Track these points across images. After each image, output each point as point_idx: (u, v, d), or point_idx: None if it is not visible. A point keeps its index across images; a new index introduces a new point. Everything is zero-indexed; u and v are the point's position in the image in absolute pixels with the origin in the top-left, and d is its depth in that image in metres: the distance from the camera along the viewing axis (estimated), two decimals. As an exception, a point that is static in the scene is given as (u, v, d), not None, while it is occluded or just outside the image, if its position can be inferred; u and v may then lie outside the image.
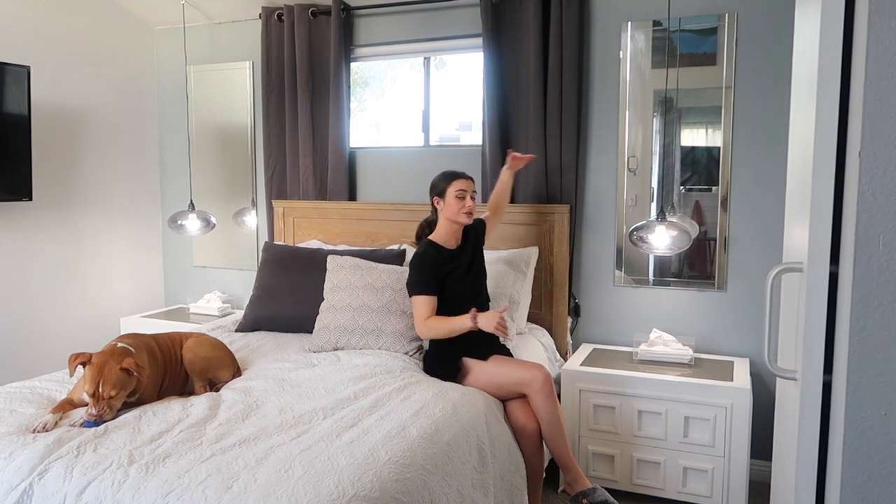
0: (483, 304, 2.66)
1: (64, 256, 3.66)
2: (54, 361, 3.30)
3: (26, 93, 3.22)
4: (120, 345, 2.18)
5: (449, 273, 2.57)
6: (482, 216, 2.85)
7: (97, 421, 1.97)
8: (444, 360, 2.54)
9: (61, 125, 3.60)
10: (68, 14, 3.61)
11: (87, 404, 2.03)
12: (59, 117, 3.58)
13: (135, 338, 2.30)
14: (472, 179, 2.64)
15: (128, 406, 2.12)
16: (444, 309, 2.56)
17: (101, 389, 1.99)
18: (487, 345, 2.59)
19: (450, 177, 2.62)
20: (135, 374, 2.07)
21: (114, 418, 2.02)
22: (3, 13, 3.30)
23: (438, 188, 2.62)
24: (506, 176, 2.95)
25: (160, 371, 2.29)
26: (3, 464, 1.76)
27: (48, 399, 2.19)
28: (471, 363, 2.50)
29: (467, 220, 2.60)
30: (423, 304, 2.51)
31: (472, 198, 2.60)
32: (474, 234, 2.72)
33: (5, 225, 3.36)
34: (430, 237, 2.64)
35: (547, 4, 3.13)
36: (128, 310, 4.01)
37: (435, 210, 2.67)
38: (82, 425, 1.97)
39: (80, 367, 2.10)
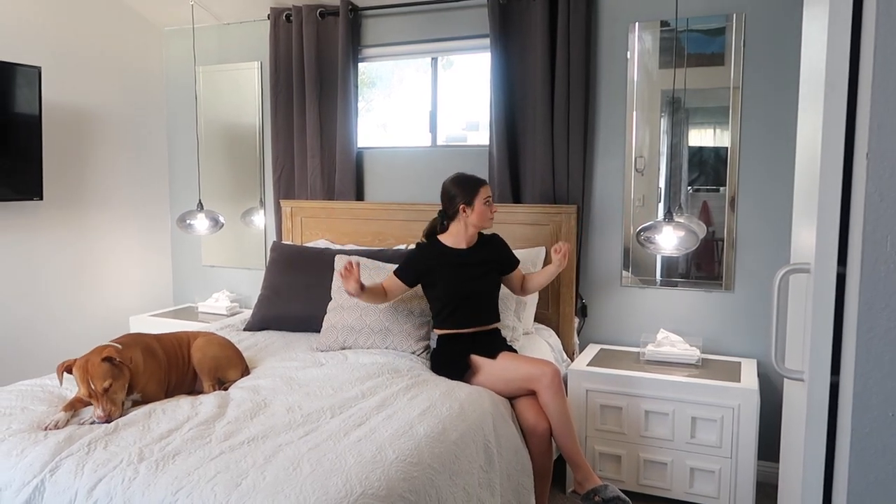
0: (483, 312, 2.67)
1: (74, 255, 3.69)
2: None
3: (37, 93, 3.25)
4: (104, 344, 2.20)
5: (438, 267, 2.63)
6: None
7: (106, 421, 1.99)
8: (451, 359, 2.56)
9: (71, 125, 3.63)
10: (78, 15, 3.64)
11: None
12: (70, 117, 3.61)
13: (131, 337, 2.32)
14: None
15: (134, 405, 2.14)
16: (433, 299, 2.68)
17: (93, 386, 2.01)
18: (494, 343, 2.61)
19: (476, 184, 2.63)
20: (118, 360, 2.08)
21: (122, 415, 2.04)
22: (15, 15, 3.33)
23: (466, 196, 2.60)
24: (552, 269, 2.74)
25: (163, 369, 2.31)
26: (15, 460, 1.78)
27: (59, 397, 2.21)
28: (479, 361, 2.51)
29: (490, 225, 2.67)
30: (390, 278, 2.68)
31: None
32: (498, 252, 2.74)
33: (16, 224, 3.39)
34: (440, 236, 2.69)
35: (554, 5, 3.13)
36: (137, 308, 4.03)
37: (446, 215, 2.68)
38: (91, 424, 1.99)
39: (68, 376, 2.12)
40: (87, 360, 2.06)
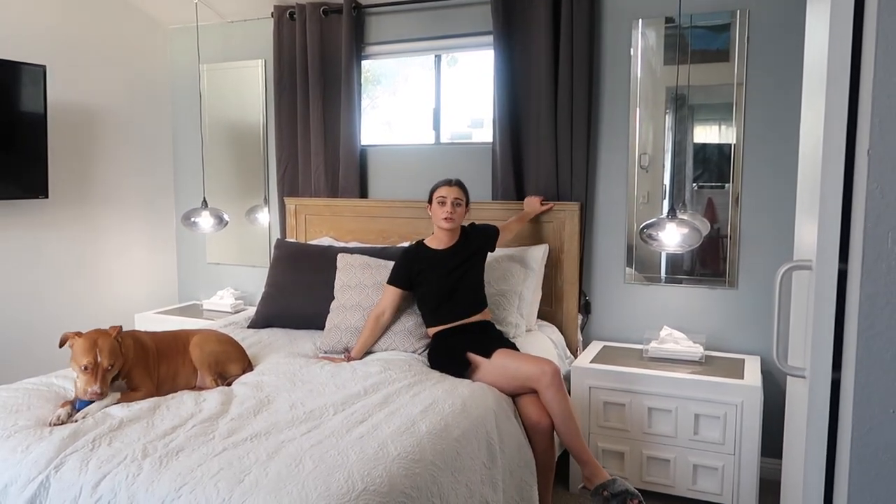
0: (465, 304, 2.68)
1: (79, 253, 3.71)
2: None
3: (42, 92, 3.27)
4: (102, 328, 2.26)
5: (424, 270, 2.68)
6: (499, 225, 2.92)
7: (97, 398, 2.06)
8: (447, 355, 2.57)
9: (77, 124, 3.64)
10: (83, 14, 3.65)
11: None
12: (75, 116, 3.63)
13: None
14: (458, 187, 2.71)
15: (122, 398, 2.16)
16: (419, 301, 2.73)
17: (99, 359, 2.09)
18: (487, 338, 2.61)
19: (437, 184, 2.74)
20: (120, 340, 2.18)
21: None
22: (20, 14, 3.34)
23: (430, 194, 2.74)
24: (528, 214, 3.13)
25: (151, 360, 2.34)
26: (20, 457, 1.79)
27: (64, 396, 2.23)
28: (477, 359, 2.51)
29: (445, 226, 2.68)
30: (386, 292, 2.74)
31: (456, 204, 2.67)
32: (481, 239, 2.80)
33: (22, 222, 3.41)
34: (426, 239, 2.77)
35: (557, 2, 3.12)
36: (142, 306, 4.05)
37: None
38: (73, 404, 2.07)
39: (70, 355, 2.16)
40: (97, 336, 2.14)
